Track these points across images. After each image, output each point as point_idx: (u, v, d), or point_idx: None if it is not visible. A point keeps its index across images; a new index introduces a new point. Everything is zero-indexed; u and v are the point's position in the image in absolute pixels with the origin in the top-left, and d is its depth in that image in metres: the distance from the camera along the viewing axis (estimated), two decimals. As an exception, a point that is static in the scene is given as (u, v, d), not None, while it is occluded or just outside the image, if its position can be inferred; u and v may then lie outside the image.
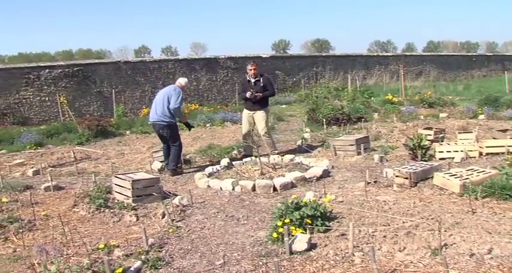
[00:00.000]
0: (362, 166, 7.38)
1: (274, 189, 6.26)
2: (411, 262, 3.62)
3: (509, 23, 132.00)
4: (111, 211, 5.59)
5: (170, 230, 4.83)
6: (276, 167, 7.39)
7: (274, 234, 4.25)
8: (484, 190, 5.09)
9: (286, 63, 23.63)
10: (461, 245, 3.80)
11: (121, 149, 10.74)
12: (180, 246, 4.45)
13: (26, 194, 6.44)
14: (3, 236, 4.89)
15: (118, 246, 4.36)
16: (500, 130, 8.67)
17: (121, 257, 4.10)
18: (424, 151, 7.33)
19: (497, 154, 7.35)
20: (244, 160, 8.11)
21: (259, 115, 8.58)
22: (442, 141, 8.61)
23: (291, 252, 3.96)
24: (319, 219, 4.42)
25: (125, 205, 5.75)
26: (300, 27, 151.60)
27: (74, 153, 9.79)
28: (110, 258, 3.98)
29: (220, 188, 6.55)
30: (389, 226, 4.36)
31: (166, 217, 5.18)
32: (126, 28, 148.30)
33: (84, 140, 11.85)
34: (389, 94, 17.17)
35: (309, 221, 4.37)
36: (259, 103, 8.57)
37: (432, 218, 4.46)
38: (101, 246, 4.26)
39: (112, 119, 14.94)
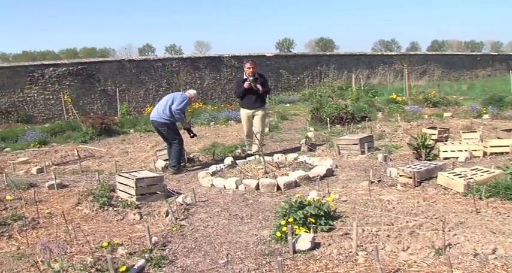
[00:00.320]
0: (366, 165, 7.38)
1: (278, 188, 6.26)
2: (415, 262, 3.61)
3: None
4: (115, 209, 5.59)
5: (174, 229, 4.84)
6: (280, 166, 7.38)
7: (278, 233, 4.24)
8: (489, 190, 5.08)
9: (290, 62, 23.61)
10: (465, 245, 3.79)
11: (125, 147, 10.77)
12: (184, 244, 4.45)
13: (30, 192, 6.46)
14: (7, 234, 4.90)
15: (121, 245, 4.37)
16: (505, 130, 8.63)
17: (124, 256, 4.10)
18: (428, 150, 7.31)
19: (501, 153, 7.33)
20: (247, 159, 8.12)
21: (261, 114, 8.58)
22: (446, 141, 8.59)
23: (295, 251, 3.96)
24: (323, 218, 4.42)
25: (129, 203, 5.76)
26: (304, 26, 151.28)
27: (77, 151, 9.82)
28: (114, 256, 3.99)
29: (224, 186, 6.55)
30: (393, 225, 4.35)
31: (169, 215, 5.18)
32: (130, 26, 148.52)
33: (88, 138, 11.88)
34: (393, 93, 17.14)
35: (313, 220, 4.36)
36: (260, 101, 8.57)
37: (436, 218, 4.45)
38: (105, 244, 4.27)
39: (116, 117, 14.98)
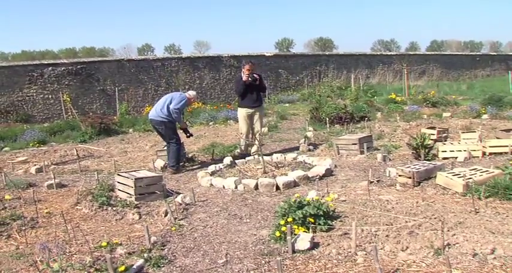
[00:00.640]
0: (365, 165, 7.38)
1: (277, 188, 6.26)
2: (414, 262, 3.61)
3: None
4: (114, 208, 5.59)
5: (173, 229, 4.84)
6: (279, 165, 7.38)
7: (277, 233, 4.25)
8: (487, 190, 5.08)
9: (290, 62, 23.61)
10: (464, 245, 3.79)
11: (124, 147, 10.76)
12: (183, 244, 4.45)
13: (29, 191, 6.46)
14: (6, 234, 4.90)
15: (120, 244, 4.36)
16: (504, 130, 8.64)
17: (123, 255, 4.10)
18: (427, 150, 7.31)
19: (500, 153, 7.33)
20: (247, 158, 8.12)
21: (261, 113, 8.57)
22: (445, 141, 8.59)
23: (294, 251, 3.96)
24: (322, 218, 4.42)
25: (128, 203, 5.76)
26: (303, 26, 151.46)
27: (76, 151, 9.81)
28: (113, 256, 3.98)
29: (223, 186, 6.55)
30: (392, 225, 4.35)
31: (169, 215, 5.18)
32: (129, 26, 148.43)
33: (87, 138, 11.87)
34: (392, 93, 17.14)
35: (312, 220, 4.36)
36: (259, 100, 8.58)
37: (435, 218, 4.45)
38: (104, 244, 4.26)
39: (115, 117, 14.96)
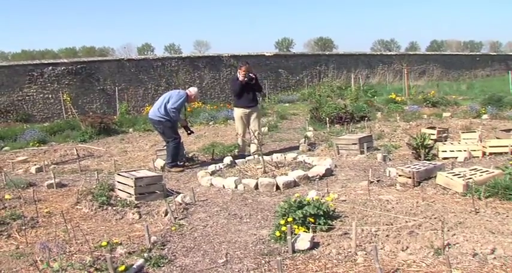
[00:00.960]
0: (365, 165, 7.38)
1: (277, 187, 6.25)
2: (414, 261, 3.61)
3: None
4: (114, 208, 5.59)
5: (173, 228, 4.84)
6: (279, 165, 7.38)
7: (277, 233, 4.24)
8: (488, 190, 5.08)
9: (290, 62, 23.61)
10: (464, 245, 3.79)
11: (124, 147, 10.76)
12: (183, 244, 4.45)
13: (29, 191, 6.45)
14: (6, 233, 4.90)
15: (120, 244, 4.36)
16: (504, 130, 8.63)
17: (123, 255, 4.10)
18: (427, 150, 7.31)
19: (500, 154, 7.33)
20: (247, 158, 8.11)
21: (257, 112, 8.57)
22: (445, 141, 8.59)
23: (294, 251, 3.96)
24: (322, 218, 4.42)
25: (128, 202, 5.75)
26: (303, 26, 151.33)
27: (76, 150, 9.81)
28: (113, 255, 3.98)
29: (223, 186, 6.55)
30: (392, 225, 4.35)
31: (169, 214, 5.18)
32: (129, 26, 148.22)
33: (87, 137, 11.88)
34: (392, 93, 17.14)
35: (312, 220, 4.36)
36: (255, 100, 8.59)
37: (435, 218, 4.45)
38: (104, 243, 4.26)
39: (115, 117, 14.97)
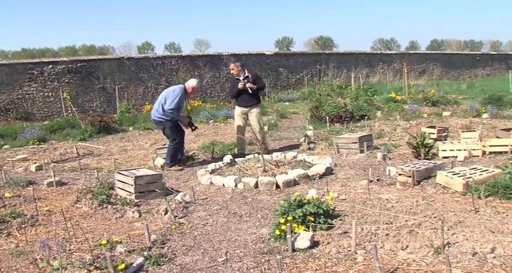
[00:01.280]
0: (365, 164, 7.38)
1: (277, 186, 6.25)
2: (414, 260, 3.61)
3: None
4: (114, 207, 5.59)
5: (173, 227, 4.84)
6: (279, 164, 7.38)
7: (277, 232, 4.25)
8: (487, 189, 5.08)
9: (290, 61, 23.59)
10: (464, 244, 3.80)
11: (124, 145, 10.76)
12: (183, 242, 4.45)
13: (29, 189, 6.45)
14: (6, 231, 4.90)
15: (120, 242, 4.36)
16: (504, 129, 8.65)
17: (123, 253, 4.10)
18: (427, 149, 7.31)
19: (500, 153, 7.34)
20: (247, 157, 8.11)
21: (256, 112, 8.56)
22: (445, 140, 8.59)
23: (294, 250, 3.96)
24: (322, 217, 4.42)
25: (128, 201, 5.76)
26: (303, 25, 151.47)
27: (76, 149, 9.80)
28: (113, 254, 3.99)
29: (223, 185, 6.55)
30: (392, 224, 4.36)
31: (168, 213, 5.18)
32: (129, 24, 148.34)
33: (87, 136, 11.87)
34: (392, 92, 17.12)
35: (312, 219, 4.36)
36: (255, 98, 8.56)
37: (435, 217, 4.45)
38: (104, 242, 4.26)
39: (115, 115, 14.96)
